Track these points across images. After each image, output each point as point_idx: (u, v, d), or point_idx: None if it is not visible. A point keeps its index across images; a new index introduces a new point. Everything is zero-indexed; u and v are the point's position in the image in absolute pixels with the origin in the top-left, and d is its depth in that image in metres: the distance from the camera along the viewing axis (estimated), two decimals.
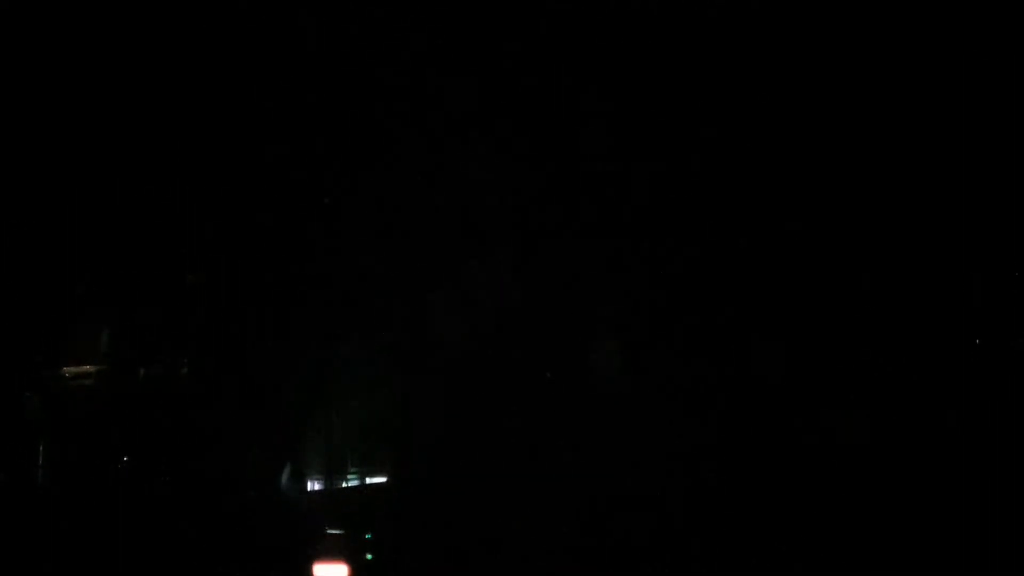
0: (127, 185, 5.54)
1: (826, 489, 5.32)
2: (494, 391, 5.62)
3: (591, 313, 5.79)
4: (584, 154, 5.81)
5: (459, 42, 5.80)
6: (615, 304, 5.76)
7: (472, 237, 5.76)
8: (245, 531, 5.30)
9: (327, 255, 5.66)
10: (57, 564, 5.05)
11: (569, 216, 5.79)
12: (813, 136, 5.69)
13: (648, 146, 5.78)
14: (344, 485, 5.59)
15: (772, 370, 5.61)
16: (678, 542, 5.29)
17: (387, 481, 5.59)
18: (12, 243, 5.38)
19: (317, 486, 5.56)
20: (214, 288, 5.53)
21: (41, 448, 5.25)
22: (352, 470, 5.59)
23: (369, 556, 5.36)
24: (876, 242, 5.58)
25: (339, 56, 5.69)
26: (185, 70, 5.58)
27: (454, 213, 5.78)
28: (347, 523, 5.49)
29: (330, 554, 5.27)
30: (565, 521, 5.37)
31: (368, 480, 5.60)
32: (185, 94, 5.59)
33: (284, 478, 5.48)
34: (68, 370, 5.32)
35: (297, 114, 5.64)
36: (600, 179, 5.79)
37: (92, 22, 5.60)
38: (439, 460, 5.58)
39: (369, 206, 5.76)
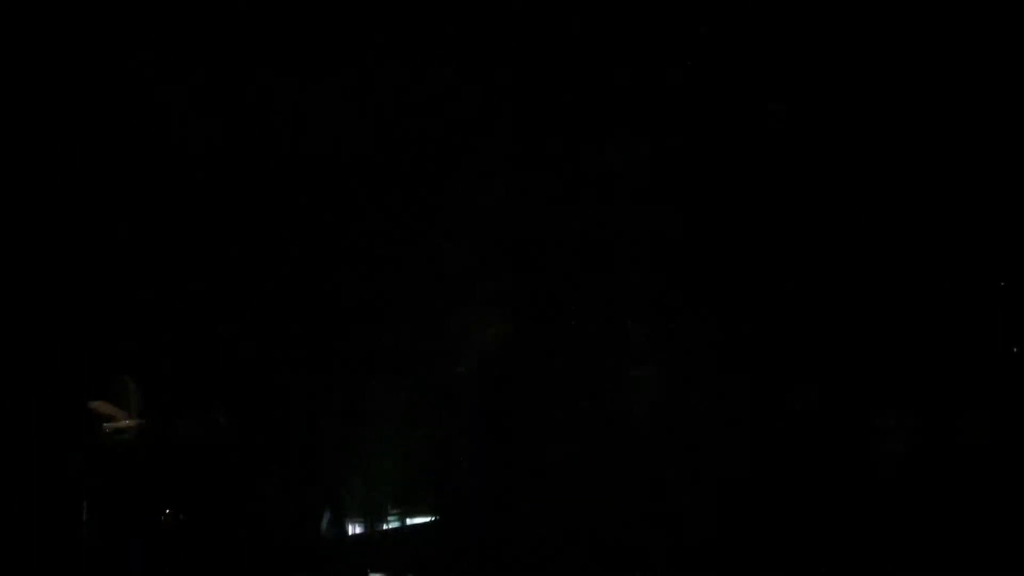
0: (154, 238, 5.47)
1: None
2: (534, 421, 5.63)
3: (628, 334, 5.76)
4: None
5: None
6: (650, 324, 5.74)
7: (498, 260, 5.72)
8: None
9: (357, 292, 5.63)
10: None
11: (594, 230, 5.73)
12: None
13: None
14: (384, 527, 5.63)
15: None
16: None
17: (428, 522, 5.64)
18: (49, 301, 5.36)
19: (357, 529, 5.62)
20: (245, 335, 5.49)
21: (85, 506, 5.29)
22: (392, 511, 5.63)
23: None
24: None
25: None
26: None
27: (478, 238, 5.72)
28: (389, 567, 5.58)
29: None
30: (618, 559, 5.46)
31: (409, 521, 5.65)
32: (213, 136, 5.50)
33: (324, 524, 5.53)
34: (108, 426, 5.32)
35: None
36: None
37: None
38: (482, 497, 5.63)
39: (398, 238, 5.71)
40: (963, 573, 5.14)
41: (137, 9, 5.54)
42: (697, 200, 5.69)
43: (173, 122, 5.50)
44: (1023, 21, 5.48)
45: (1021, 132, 5.50)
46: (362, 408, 5.60)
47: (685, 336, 5.67)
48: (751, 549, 5.38)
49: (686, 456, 5.48)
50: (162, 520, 5.25)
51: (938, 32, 5.55)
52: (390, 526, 5.65)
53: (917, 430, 5.49)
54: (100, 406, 5.29)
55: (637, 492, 5.51)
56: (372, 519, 5.61)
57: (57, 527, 5.24)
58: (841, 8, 5.60)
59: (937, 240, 5.57)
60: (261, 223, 5.56)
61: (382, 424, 5.61)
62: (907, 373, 5.55)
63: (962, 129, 5.55)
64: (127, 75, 5.49)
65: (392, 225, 5.65)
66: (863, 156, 5.63)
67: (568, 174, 5.72)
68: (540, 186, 5.70)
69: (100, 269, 5.44)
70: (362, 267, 5.61)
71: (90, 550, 5.23)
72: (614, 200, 5.72)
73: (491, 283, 5.63)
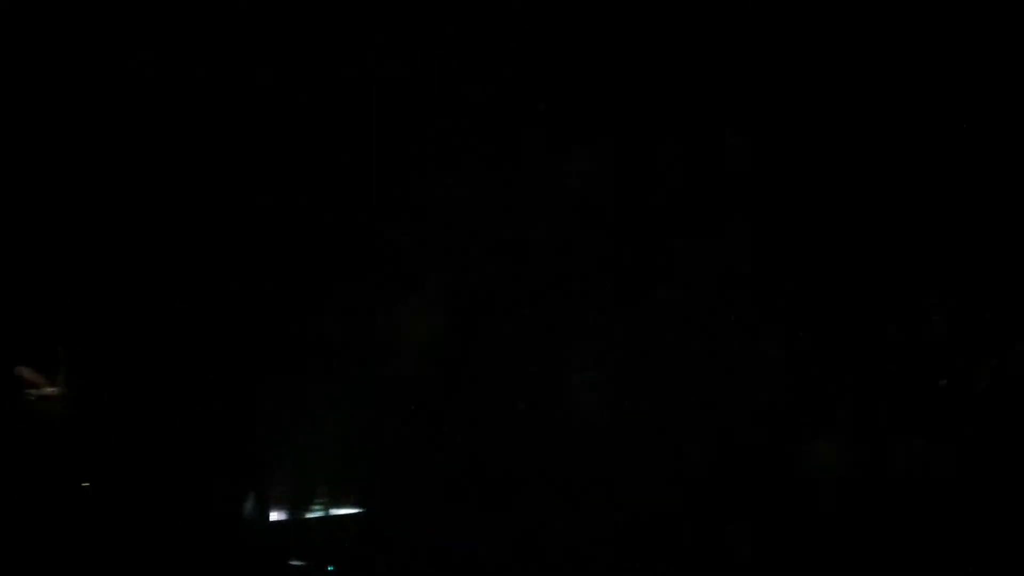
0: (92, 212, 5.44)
1: None
2: (467, 416, 5.57)
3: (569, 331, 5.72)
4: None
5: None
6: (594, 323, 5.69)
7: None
8: (206, 561, 5.31)
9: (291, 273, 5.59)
10: None
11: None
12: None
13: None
14: (308, 516, 5.55)
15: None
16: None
17: (352, 513, 5.56)
18: None
19: (281, 516, 5.53)
20: (182, 316, 5.42)
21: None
22: (317, 500, 5.55)
23: None
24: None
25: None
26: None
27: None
28: (310, 555, 5.49)
29: None
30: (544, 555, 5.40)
31: (333, 511, 5.57)
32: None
33: (247, 508, 5.45)
34: (31, 393, 5.24)
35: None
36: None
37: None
38: (408, 491, 5.55)
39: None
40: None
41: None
42: (646, 205, 5.68)
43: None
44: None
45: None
46: (294, 395, 5.54)
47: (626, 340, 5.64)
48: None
49: (616, 455, 5.44)
50: (77, 491, 5.17)
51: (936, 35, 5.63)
52: (315, 515, 5.56)
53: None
54: (25, 372, 5.21)
55: (565, 490, 5.45)
56: (297, 506, 5.53)
57: None
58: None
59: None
60: (204, 211, 5.54)
61: (313, 412, 5.55)
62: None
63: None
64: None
65: (331, 216, 5.62)
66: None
67: (516, 173, 5.70)
68: (487, 184, 5.67)
69: (38, 240, 5.39)
70: (298, 256, 5.56)
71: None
72: (561, 201, 5.71)
73: (428, 278, 5.58)
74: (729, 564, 5.31)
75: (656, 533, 5.39)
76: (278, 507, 5.52)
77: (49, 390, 5.22)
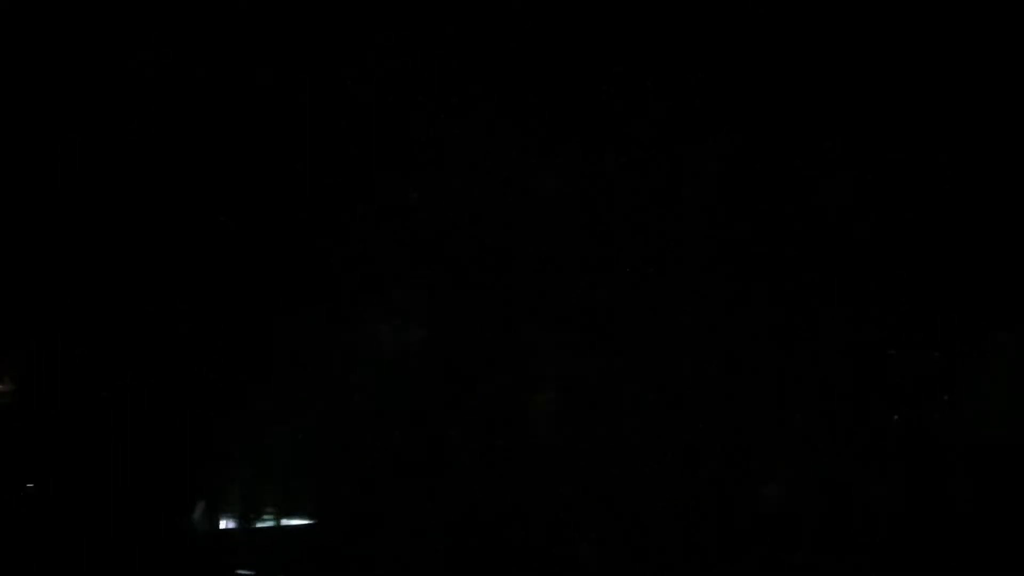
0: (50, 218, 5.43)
1: None
2: (419, 433, 5.50)
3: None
4: None
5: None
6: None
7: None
8: (153, 567, 5.25)
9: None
10: None
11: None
12: None
13: None
14: (258, 525, 5.48)
15: None
16: None
17: (303, 524, 5.49)
18: None
19: (231, 524, 5.46)
20: (136, 314, 5.38)
21: None
22: (268, 510, 5.48)
23: None
24: None
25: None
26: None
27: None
28: (259, 566, 5.42)
29: None
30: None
31: (283, 521, 5.49)
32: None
33: (196, 515, 5.38)
34: None
35: None
36: None
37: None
38: (361, 503, 5.47)
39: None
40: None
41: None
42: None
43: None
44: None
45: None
46: (248, 406, 5.48)
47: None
48: None
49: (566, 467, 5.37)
50: (19, 493, 5.12)
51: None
52: (264, 525, 5.49)
53: None
54: None
55: (518, 505, 5.37)
56: (247, 515, 5.45)
57: None
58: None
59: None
60: (164, 216, 5.51)
61: (266, 423, 5.49)
62: None
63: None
64: None
65: (288, 225, 5.59)
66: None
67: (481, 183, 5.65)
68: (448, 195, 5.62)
69: None
70: (252, 266, 5.51)
71: None
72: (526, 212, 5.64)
73: (381, 292, 5.52)
74: None
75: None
76: (228, 515, 5.45)
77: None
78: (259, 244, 5.57)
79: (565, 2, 5.70)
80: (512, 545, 5.35)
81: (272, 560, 5.40)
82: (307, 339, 5.53)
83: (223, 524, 5.44)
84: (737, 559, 5.27)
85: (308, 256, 5.59)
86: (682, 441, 5.39)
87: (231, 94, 5.55)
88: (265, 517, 5.47)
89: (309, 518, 5.48)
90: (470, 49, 5.66)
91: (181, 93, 5.47)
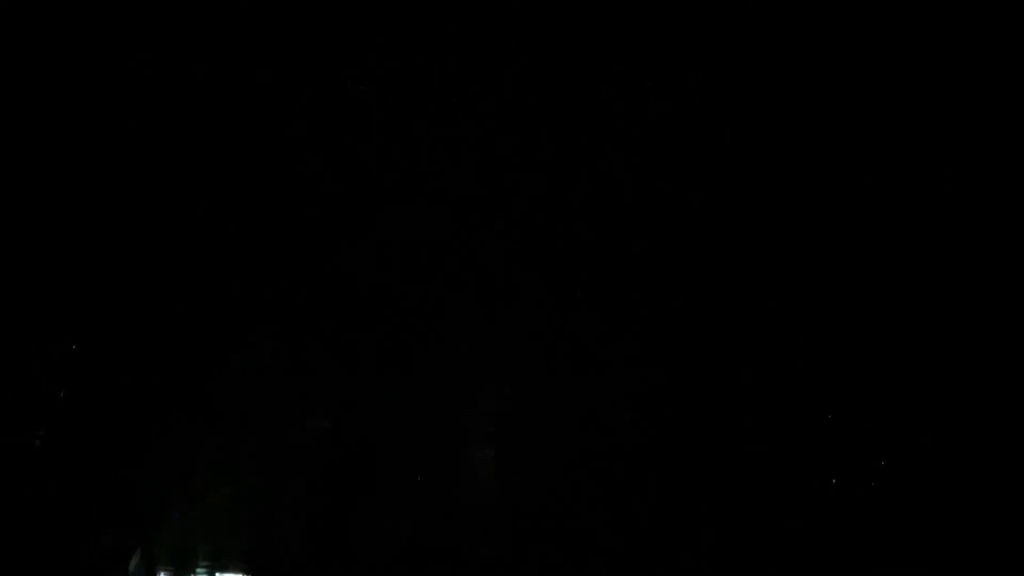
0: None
1: None
2: (367, 480, 5.53)
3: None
4: None
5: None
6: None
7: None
8: None
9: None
10: None
11: None
12: None
13: None
14: None
15: None
16: None
17: None
18: None
19: None
20: (77, 361, 5.49)
21: None
22: (202, 563, 5.50)
23: None
24: None
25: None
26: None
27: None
28: None
29: None
30: None
31: (217, 574, 5.51)
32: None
33: (132, 566, 5.41)
34: None
35: None
36: None
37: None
38: (298, 557, 5.49)
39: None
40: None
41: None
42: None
43: None
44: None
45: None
46: (187, 456, 5.55)
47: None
48: None
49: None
50: None
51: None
52: None
53: None
54: None
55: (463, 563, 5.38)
56: (182, 567, 5.48)
57: None
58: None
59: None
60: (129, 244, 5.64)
61: (205, 474, 5.54)
62: None
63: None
64: None
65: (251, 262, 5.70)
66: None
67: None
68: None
69: None
70: (207, 314, 5.61)
71: None
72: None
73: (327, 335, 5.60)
74: None
75: None
76: (163, 567, 5.48)
77: None
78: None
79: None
80: None
81: None
82: (247, 387, 5.60)
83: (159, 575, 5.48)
84: None
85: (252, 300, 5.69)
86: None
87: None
88: (199, 570, 5.50)
89: (243, 571, 5.50)
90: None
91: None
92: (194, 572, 5.48)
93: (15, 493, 5.34)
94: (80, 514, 5.38)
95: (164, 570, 5.46)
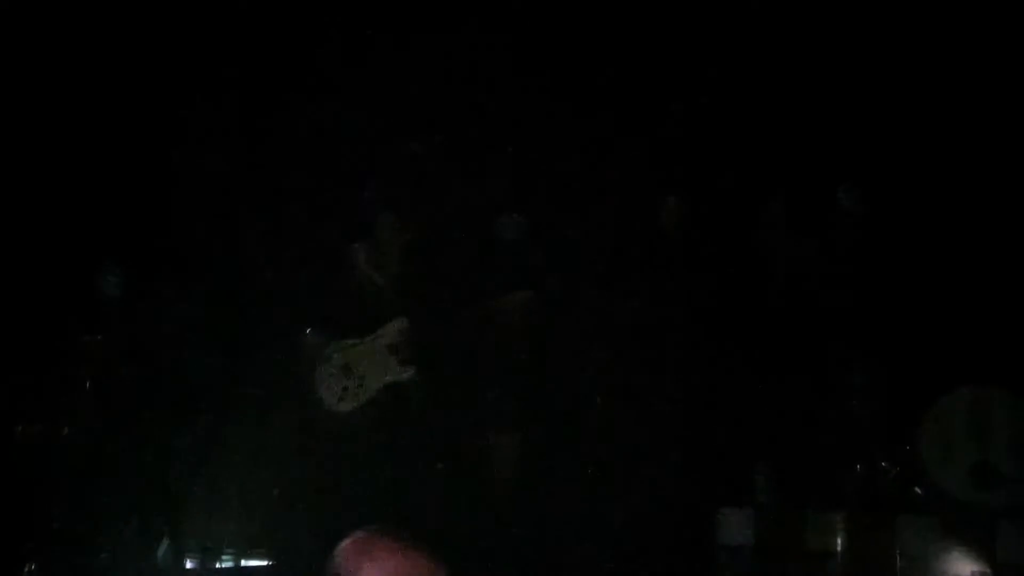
0: None
1: None
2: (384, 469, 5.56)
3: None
4: None
5: None
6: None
7: None
8: None
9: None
10: None
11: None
12: None
13: None
14: (217, 566, 5.53)
15: None
16: None
17: (264, 565, 5.54)
18: None
19: (193, 566, 5.51)
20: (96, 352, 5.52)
21: None
22: (228, 550, 5.53)
23: None
24: None
25: None
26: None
27: None
28: None
29: None
30: None
31: (243, 562, 5.54)
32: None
33: (160, 554, 5.44)
34: None
35: None
36: None
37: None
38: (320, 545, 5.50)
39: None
40: None
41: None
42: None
43: None
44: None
45: None
46: (214, 444, 5.59)
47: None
48: None
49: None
50: None
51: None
52: (224, 565, 5.55)
53: None
54: None
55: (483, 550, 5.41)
56: (208, 555, 5.51)
57: None
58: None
59: None
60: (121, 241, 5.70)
61: (231, 463, 5.59)
62: None
63: None
64: None
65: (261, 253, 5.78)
66: None
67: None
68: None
69: None
70: (225, 304, 5.66)
71: None
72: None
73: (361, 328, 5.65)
74: None
75: None
76: (192, 556, 5.50)
77: None
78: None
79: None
80: None
81: None
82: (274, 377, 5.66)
83: (188, 563, 5.49)
84: None
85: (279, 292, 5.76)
86: None
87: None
88: (225, 558, 5.54)
89: (269, 559, 5.54)
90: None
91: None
92: (219, 558, 5.52)
93: (44, 481, 5.36)
94: (108, 502, 5.40)
95: (191, 556, 5.49)
